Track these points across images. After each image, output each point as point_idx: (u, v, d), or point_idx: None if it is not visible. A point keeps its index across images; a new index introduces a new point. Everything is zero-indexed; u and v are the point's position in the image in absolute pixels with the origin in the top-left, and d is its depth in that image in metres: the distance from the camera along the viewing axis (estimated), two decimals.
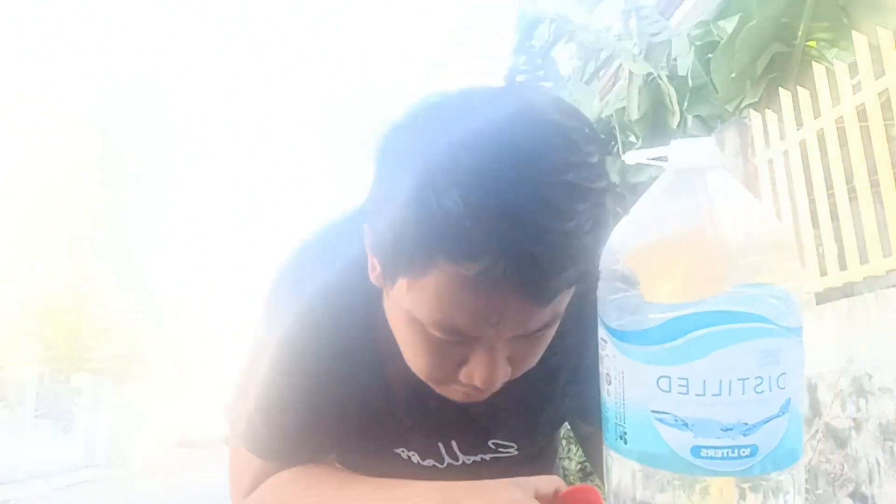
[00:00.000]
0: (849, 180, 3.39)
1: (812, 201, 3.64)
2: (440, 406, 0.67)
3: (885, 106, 3.24)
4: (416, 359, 0.61)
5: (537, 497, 0.55)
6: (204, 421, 28.77)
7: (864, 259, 3.32)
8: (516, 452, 0.79)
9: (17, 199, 13.18)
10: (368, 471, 0.72)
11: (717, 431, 0.48)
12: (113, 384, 16.88)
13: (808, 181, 3.67)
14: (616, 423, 0.53)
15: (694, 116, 4.96)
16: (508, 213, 0.48)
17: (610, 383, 0.53)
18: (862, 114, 3.33)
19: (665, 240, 0.51)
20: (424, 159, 0.50)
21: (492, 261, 0.49)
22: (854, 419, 3.13)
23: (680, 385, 0.48)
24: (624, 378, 0.51)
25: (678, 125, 5.11)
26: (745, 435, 0.48)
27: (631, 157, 0.56)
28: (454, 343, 0.57)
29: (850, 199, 3.39)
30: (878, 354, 3.06)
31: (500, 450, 0.78)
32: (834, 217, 3.48)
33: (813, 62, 3.84)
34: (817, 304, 3.66)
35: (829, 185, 3.52)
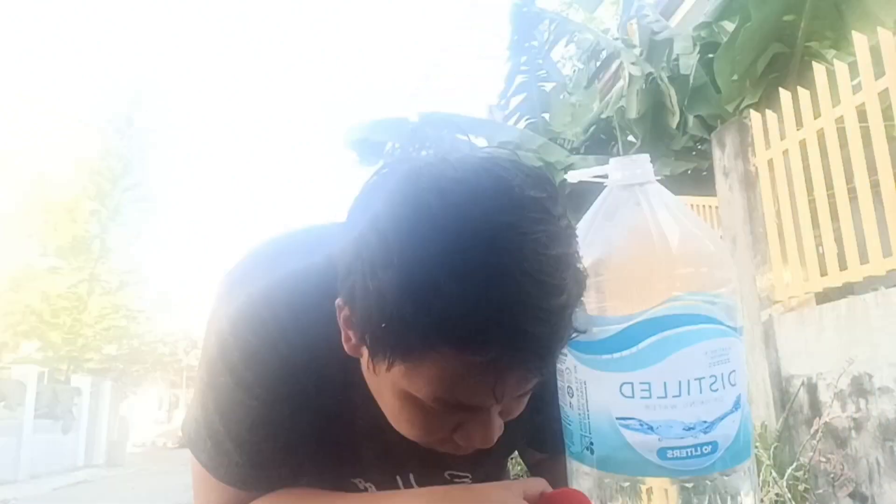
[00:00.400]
0: (849, 180, 3.39)
1: (812, 201, 3.64)
2: (401, 439, 0.65)
3: (885, 106, 3.24)
4: (407, 426, 0.61)
5: (526, 499, 0.56)
6: None
7: (864, 259, 3.32)
8: (469, 481, 0.79)
9: (16, 199, 13.18)
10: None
11: (680, 431, 0.50)
12: (113, 384, 16.88)
13: (808, 181, 3.67)
14: (581, 435, 0.55)
15: (694, 116, 4.96)
16: (508, 299, 0.49)
17: (572, 395, 0.56)
18: (862, 114, 3.33)
19: (608, 257, 0.54)
20: (414, 252, 0.49)
21: (497, 349, 0.50)
22: (854, 419, 3.13)
23: (643, 389, 0.50)
24: (587, 388, 0.54)
25: (678, 125, 5.12)
26: (705, 433, 0.50)
27: (573, 176, 0.58)
28: (448, 414, 0.57)
29: (850, 199, 3.39)
30: (878, 354, 3.06)
31: (455, 480, 0.79)
32: (834, 217, 3.48)
33: (813, 62, 3.84)
34: (817, 304, 3.67)
35: (829, 185, 3.52)
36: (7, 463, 11.44)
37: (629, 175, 0.54)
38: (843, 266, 3.44)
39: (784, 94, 3.84)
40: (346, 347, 0.61)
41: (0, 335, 14.76)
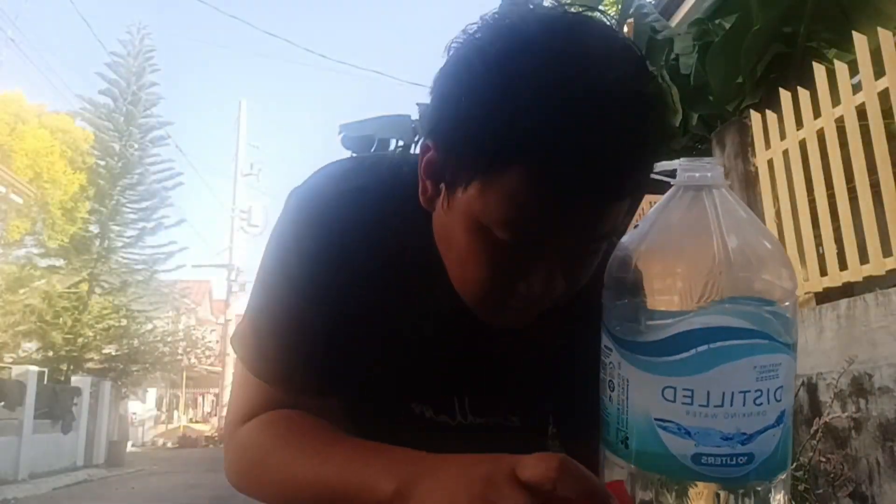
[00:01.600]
0: (849, 180, 3.39)
1: (812, 201, 3.64)
2: (461, 356, 0.69)
3: (886, 106, 3.23)
4: (475, 270, 0.61)
5: (524, 477, 0.48)
6: (204, 420, 28.79)
7: (864, 259, 3.32)
8: (518, 423, 0.79)
9: (16, 199, 13.19)
10: (377, 425, 0.70)
11: (717, 440, 0.50)
12: (113, 384, 16.88)
13: (808, 181, 3.67)
14: (617, 428, 0.54)
15: (696, 116, 4.96)
16: (589, 121, 0.51)
17: (613, 390, 0.55)
18: (862, 114, 3.33)
19: (669, 250, 0.54)
20: (508, 72, 0.52)
21: (570, 166, 0.52)
22: (854, 419, 3.13)
23: (685, 396, 0.50)
24: (628, 386, 0.53)
25: (679, 124, 5.12)
26: (742, 444, 0.50)
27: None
28: (517, 250, 0.58)
29: (850, 199, 3.39)
30: (878, 354, 3.06)
31: (508, 416, 0.78)
32: (834, 217, 3.48)
33: (813, 62, 3.84)
34: (817, 304, 3.66)
35: (829, 185, 3.52)
36: (7, 463, 11.44)
37: (698, 178, 0.55)
38: (843, 266, 3.44)
39: (784, 94, 3.83)
40: (422, 200, 0.64)
41: (0, 335, 14.76)
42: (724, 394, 0.49)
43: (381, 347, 0.72)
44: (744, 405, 0.50)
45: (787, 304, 0.52)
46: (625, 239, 0.57)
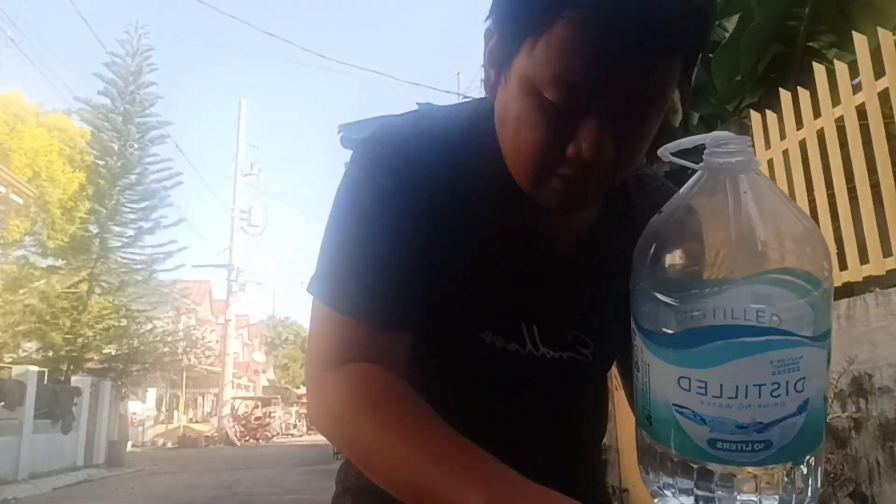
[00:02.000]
0: (849, 180, 3.39)
1: (812, 201, 3.64)
2: (529, 283, 0.72)
3: (886, 106, 3.24)
4: (526, 135, 0.62)
5: None
6: (204, 420, 28.78)
7: (864, 259, 3.32)
8: (590, 358, 0.79)
9: (16, 199, 13.18)
10: (449, 358, 0.75)
11: (732, 428, 0.50)
12: (113, 384, 16.87)
13: (808, 181, 3.67)
14: (643, 406, 0.56)
15: (696, 116, 4.96)
16: None
17: (639, 370, 0.57)
18: (862, 114, 3.33)
19: (690, 236, 0.54)
20: None
21: (618, 9, 0.53)
22: (854, 419, 3.13)
23: (699, 386, 0.50)
24: (650, 370, 0.54)
25: (680, 124, 5.12)
26: (759, 432, 0.50)
27: (665, 154, 0.58)
28: (564, 110, 0.59)
29: (850, 199, 3.40)
30: (878, 354, 3.07)
31: (577, 347, 0.79)
32: (834, 217, 3.48)
33: (813, 62, 3.84)
34: None
35: (829, 185, 3.52)
36: (7, 463, 11.44)
37: (727, 160, 0.54)
38: (843, 266, 3.44)
39: (784, 94, 3.84)
40: (486, 89, 0.68)
41: (0, 335, 14.75)
42: (737, 386, 0.49)
43: (453, 275, 0.74)
44: (759, 397, 0.49)
45: (816, 293, 0.50)
46: (652, 222, 0.57)
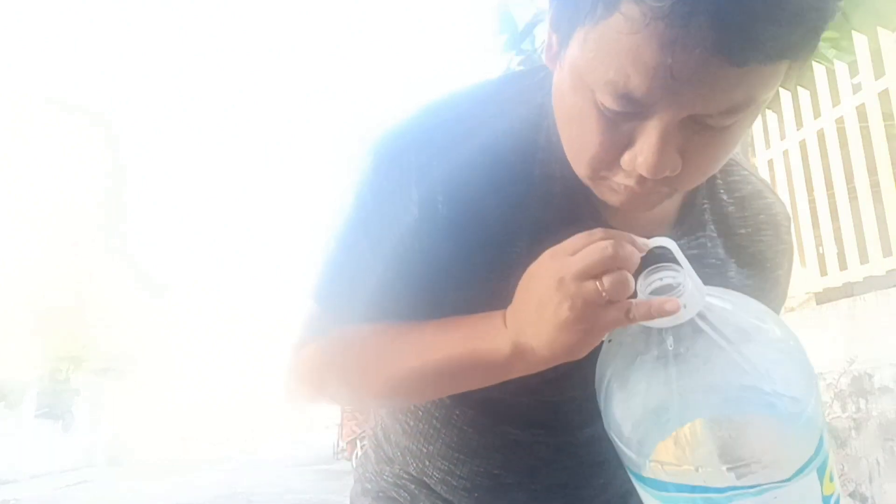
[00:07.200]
0: (849, 180, 3.39)
1: (812, 201, 3.64)
2: None
3: (885, 106, 3.24)
4: (580, 133, 0.53)
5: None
6: (204, 420, 28.77)
7: (864, 259, 3.32)
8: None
9: (16, 198, 13.19)
10: None
11: None
12: (113, 384, 16.88)
13: (808, 181, 3.67)
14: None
15: None
16: None
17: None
18: (862, 114, 3.33)
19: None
20: None
21: (691, 6, 0.43)
22: (854, 419, 3.13)
23: None
24: (637, 488, 0.57)
25: None
26: None
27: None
28: (623, 117, 0.50)
29: (850, 199, 3.40)
30: (878, 354, 3.06)
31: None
32: (834, 217, 3.48)
33: (813, 62, 3.84)
34: (817, 304, 3.66)
35: (829, 185, 3.53)
36: (7, 463, 11.44)
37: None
38: (843, 266, 3.44)
39: (784, 94, 3.84)
40: (545, 59, 0.57)
41: (0, 335, 14.76)
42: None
43: (480, 273, 0.66)
44: None
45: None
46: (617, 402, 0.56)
